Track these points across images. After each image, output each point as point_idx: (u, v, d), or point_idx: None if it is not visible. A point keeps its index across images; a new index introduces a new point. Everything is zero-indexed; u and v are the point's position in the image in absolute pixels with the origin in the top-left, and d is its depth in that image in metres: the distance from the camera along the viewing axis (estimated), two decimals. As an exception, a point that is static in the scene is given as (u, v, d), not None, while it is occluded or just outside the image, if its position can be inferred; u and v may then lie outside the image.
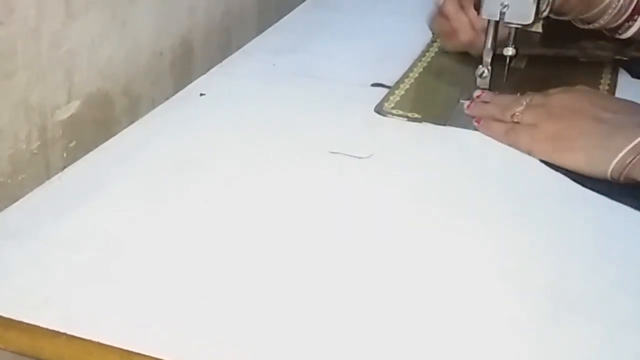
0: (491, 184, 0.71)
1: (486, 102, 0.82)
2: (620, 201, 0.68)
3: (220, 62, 0.96)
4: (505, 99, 0.81)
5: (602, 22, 0.85)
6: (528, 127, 0.75)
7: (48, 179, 0.71)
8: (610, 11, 0.83)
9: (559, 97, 0.76)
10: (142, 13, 0.84)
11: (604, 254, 0.62)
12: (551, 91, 0.78)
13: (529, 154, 0.75)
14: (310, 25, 1.08)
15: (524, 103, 0.77)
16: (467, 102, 0.83)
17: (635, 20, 0.84)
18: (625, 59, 0.93)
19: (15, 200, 0.66)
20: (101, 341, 0.51)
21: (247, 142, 0.77)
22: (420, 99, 0.88)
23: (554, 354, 0.52)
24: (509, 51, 0.84)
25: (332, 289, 0.57)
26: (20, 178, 0.69)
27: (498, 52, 0.84)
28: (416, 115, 0.83)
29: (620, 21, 0.85)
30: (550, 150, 0.73)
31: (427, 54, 1.00)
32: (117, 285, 0.57)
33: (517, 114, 0.77)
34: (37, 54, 0.69)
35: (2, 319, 0.53)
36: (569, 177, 0.71)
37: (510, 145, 0.76)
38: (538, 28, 0.93)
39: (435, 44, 1.03)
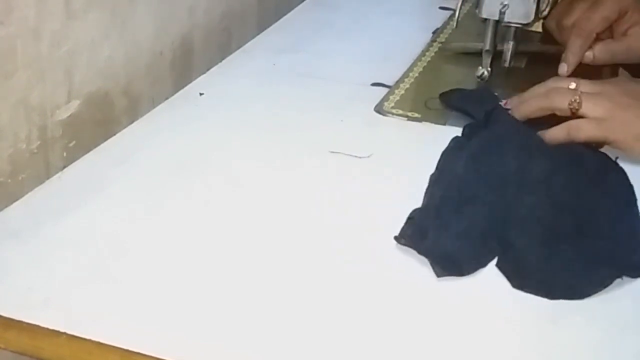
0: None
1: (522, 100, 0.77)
2: None
3: (220, 62, 0.96)
4: (541, 87, 0.76)
5: None
6: (596, 120, 0.71)
7: (48, 178, 0.71)
8: None
9: (612, 85, 0.73)
10: (142, 13, 0.84)
11: (604, 253, 0.62)
12: (590, 81, 0.74)
13: (604, 145, 0.71)
14: (310, 25, 1.08)
15: (575, 91, 0.73)
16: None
17: None
18: None
19: (15, 200, 0.66)
20: (101, 341, 0.51)
21: (247, 142, 0.77)
22: (420, 99, 0.88)
23: (554, 354, 0.52)
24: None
25: (332, 288, 0.57)
26: (20, 178, 0.69)
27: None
28: (416, 115, 0.83)
29: None
30: (630, 139, 0.70)
31: (427, 53, 1.00)
32: (117, 285, 0.57)
33: (574, 103, 0.71)
34: (37, 54, 0.69)
35: (2, 318, 0.53)
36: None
37: (575, 139, 0.71)
38: (538, 28, 0.93)
39: (435, 44, 1.03)
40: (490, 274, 0.59)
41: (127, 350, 0.51)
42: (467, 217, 0.63)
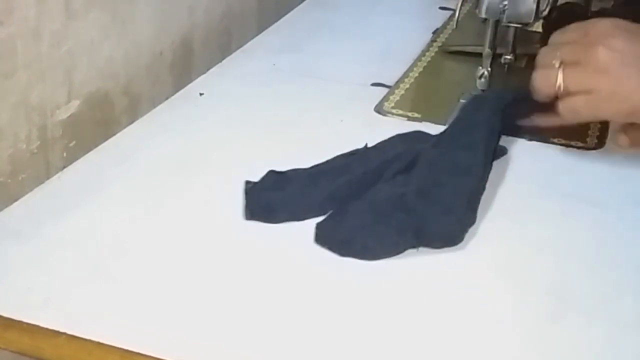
0: (490, 183, 0.71)
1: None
2: None
3: (220, 62, 0.96)
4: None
5: None
6: (581, 96, 0.64)
7: (48, 179, 0.71)
8: None
9: (594, 51, 0.64)
10: (142, 13, 0.84)
11: (605, 254, 0.63)
12: (573, 35, 0.67)
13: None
14: (310, 25, 1.08)
15: (556, 65, 0.66)
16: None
17: None
18: None
19: (15, 200, 0.66)
20: (101, 341, 0.51)
21: (247, 142, 0.77)
22: (420, 99, 0.88)
23: (554, 354, 0.52)
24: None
25: (332, 288, 0.57)
26: (20, 178, 0.69)
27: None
28: (416, 115, 0.83)
29: None
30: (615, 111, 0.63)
31: (427, 53, 1.00)
32: (117, 285, 0.57)
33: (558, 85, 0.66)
34: (37, 54, 0.69)
35: (2, 319, 0.53)
36: None
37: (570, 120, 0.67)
38: (538, 28, 0.93)
39: (435, 44, 1.03)
40: (491, 274, 0.59)
41: (127, 350, 0.51)
42: (317, 182, 0.67)
